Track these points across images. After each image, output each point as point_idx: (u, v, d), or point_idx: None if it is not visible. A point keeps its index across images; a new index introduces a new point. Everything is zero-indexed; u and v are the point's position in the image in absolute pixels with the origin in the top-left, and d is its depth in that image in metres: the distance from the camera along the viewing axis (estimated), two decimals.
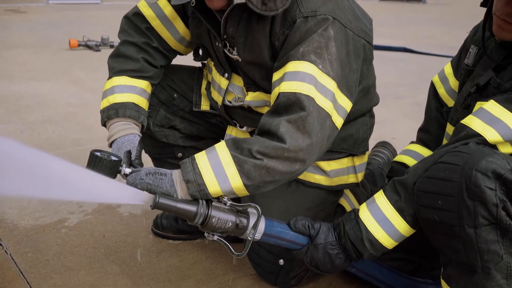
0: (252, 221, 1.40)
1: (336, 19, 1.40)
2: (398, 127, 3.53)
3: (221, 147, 1.35)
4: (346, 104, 1.45)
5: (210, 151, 1.36)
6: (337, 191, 1.74)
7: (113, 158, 1.43)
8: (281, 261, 1.65)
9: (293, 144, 1.31)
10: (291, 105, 1.33)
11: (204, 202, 1.35)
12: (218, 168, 1.32)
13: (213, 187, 1.33)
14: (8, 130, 3.14)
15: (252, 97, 1.59)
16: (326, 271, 1.47)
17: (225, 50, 1.56)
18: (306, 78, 1.34)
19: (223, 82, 1.64)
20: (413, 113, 3.80)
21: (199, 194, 1.33)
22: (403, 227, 1.36)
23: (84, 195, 1.19)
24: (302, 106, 1.32)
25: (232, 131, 1.77)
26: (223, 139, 1.86)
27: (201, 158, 1.34)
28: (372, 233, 1.38)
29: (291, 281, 1.71)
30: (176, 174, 1.36)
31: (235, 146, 1.35)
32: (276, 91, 1.38)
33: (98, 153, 1.43)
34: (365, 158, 1.74)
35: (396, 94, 4.37)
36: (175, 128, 1.82)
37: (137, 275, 1.80)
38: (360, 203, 1.85)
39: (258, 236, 1.41)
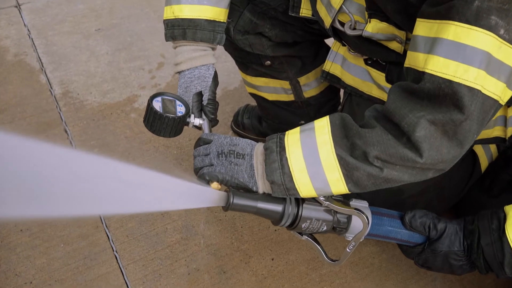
0: (355, 222, 1.05)
1: None
2: None
3: (322, 136, 0.93)
4: None
5: (306, 139, 0.94)
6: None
7: (178, 113, 1.09)
8: None
9: (433, 156, 0.87)
10: (442, 97, 0.85)
11: (292, 199, 1.01)
12: (315, 170, 0.93)
13: (306, 192, 0.96)
14: None
15: (376, 29, 1.07)
16: (438, 272, 1.16)
17: None
18: (476, 59, 0.82)
19: None
20: None
21: (287, 196, 0.98)
22: None
23: (138, 206, 0.89)
24: (459, 104, 0.84)
25: (339, 49, 1.28)
26: (325, 39, 1.39)
27: (294, 152, 0.94)
28: None
29: None
30: (258, 158, 0.99)
31: (344, 136, 0.92)
32: (419, 60, 0.88)
33: (158, 104, 1.08)
34: None
35: None
36: (263, 35, 1.34)
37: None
38: (498, 147, 1.40)
39: (361, 239, 1.08)
